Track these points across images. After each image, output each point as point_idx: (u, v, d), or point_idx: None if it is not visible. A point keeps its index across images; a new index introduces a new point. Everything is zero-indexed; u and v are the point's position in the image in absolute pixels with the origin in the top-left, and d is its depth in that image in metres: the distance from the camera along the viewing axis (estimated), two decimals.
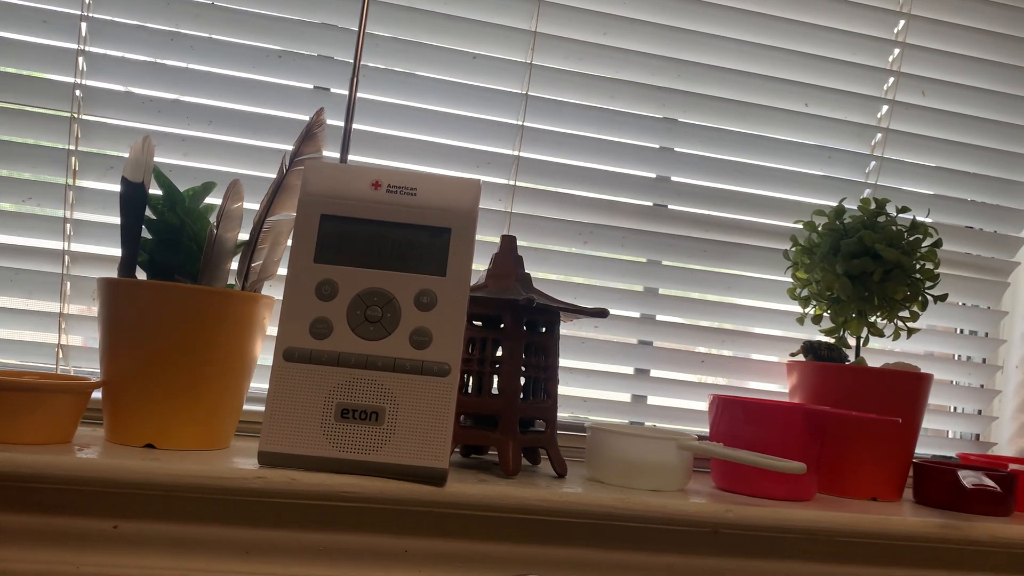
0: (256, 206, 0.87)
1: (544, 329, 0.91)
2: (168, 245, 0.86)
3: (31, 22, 1.00)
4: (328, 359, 0.75)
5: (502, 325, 0.88)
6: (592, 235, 1.15)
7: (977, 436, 1.32)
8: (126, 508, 0.72)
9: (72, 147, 1.01)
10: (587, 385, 1.15)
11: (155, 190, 0.86)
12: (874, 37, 1.24)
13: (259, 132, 1.05)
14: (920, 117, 1.25)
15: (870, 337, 1.08)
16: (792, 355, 1.08)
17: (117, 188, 0.84)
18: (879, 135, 1.24)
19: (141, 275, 0.86)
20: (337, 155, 0.93)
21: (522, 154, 1.12)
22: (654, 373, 1.19)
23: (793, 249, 1.10)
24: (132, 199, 0.83)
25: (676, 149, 1.19)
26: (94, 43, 1.02)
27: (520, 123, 1.12)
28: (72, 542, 0.72)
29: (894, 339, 1.09)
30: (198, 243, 0.86)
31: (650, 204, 1.18)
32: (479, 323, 0.90)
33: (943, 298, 1.08)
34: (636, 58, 1.16)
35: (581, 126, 1.15)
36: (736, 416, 0.94)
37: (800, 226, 1.12)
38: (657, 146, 1.18)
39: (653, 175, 1.19)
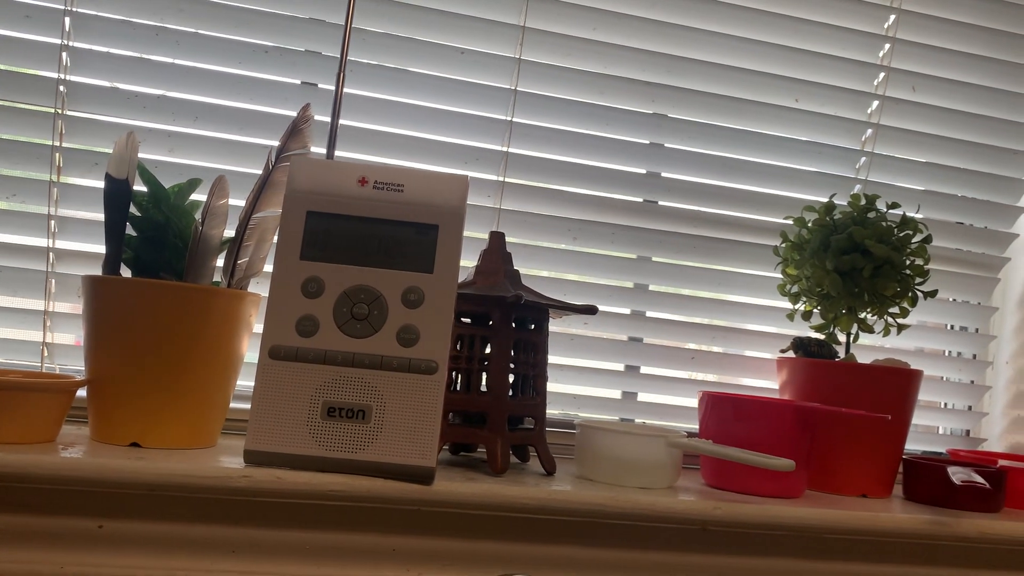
0: (242, 203, 0.87)
1: (533, 326, 0.91)
2: (153, 242, 0.85)
3: (14, 17, 0.99)
4: (314, 357, 0.75)
5: (490, 322, 0.87)
6: (581, 231, 1.14)
7: (967, 432, 1.32)
8: (111, 507, 0.72)
9: (56, 143, 1.00)
10: (577, 382, 1.15)
11: (140, 186, 0.85)
12: (864, 32, 1.24)
13: (245, 128, 1.04)
14: (910, 113, 1.25)
15: (860, 333, 1.08)
16: (782, 351, 1.08)
17: (102, 184, 0.83)
18: (869, 131, 1.24)
19: (126, 272, 0.85)
20: (324, 151, 0.92)
21: (511, 150, 1.12)
22: (644, 370, 1.18)
23: (783, 245, 1.10)
24: (116, 196, 0.82)
25: (666, 145, 1.19)
26: (78, 38, 1.01)
27: (509, 119, 1.12)
28: (56, 542, 0.71)
29: (884, 335, 1.09)
30: (183, 240, 0.85)
31: (640, 200, 1.18)
32: (467, 320, 0.90)
33: (933, 294, 1.08)
34: (626, 53, 1.16)
35: (570, 122, 1.14)
36: (726, 413, 0.94)
37: (790, 222, 1.11)
38: (647, 142, 1.18)
39: (643, 171, 1.18)
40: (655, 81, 1.17)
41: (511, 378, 0.87)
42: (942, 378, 1.31)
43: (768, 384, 1.20)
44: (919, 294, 1.06)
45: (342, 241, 0.77)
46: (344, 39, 0.93)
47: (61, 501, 0.71)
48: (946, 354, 1.33)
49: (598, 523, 0.80)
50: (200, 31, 1.04)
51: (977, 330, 1.33)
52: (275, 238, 0.82)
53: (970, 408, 1.31)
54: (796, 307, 1.10)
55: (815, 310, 1.08)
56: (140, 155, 0.84)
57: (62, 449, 0.74)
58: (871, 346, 1.23)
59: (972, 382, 1.31)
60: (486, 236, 0.93)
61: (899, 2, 1.25)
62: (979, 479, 0.91)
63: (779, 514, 0.83)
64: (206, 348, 0.80)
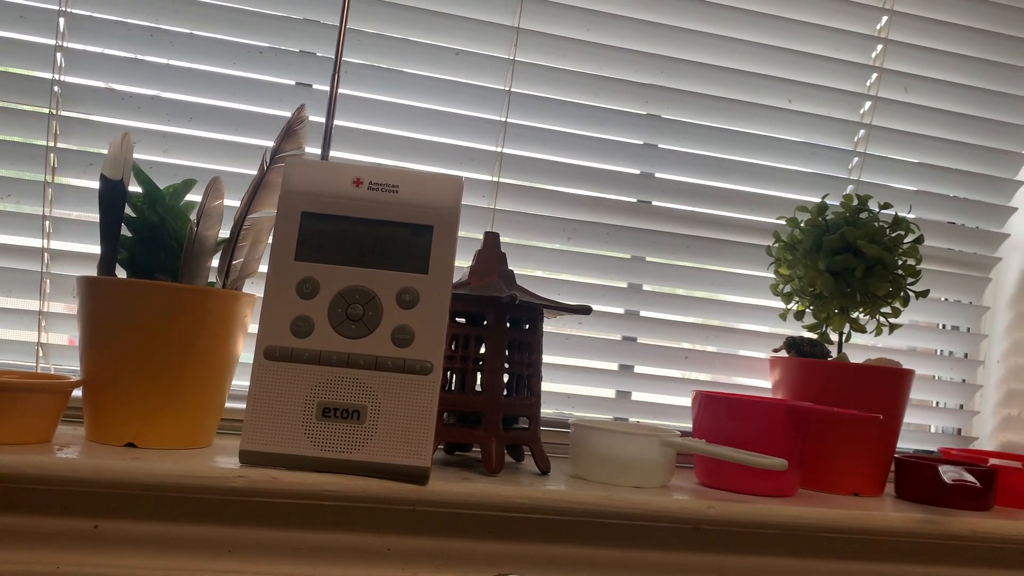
0: (237, 203, 0.87)
1: (527, 326, 0.91)
2: (148, 243, 0.86)
3: (8, 18, 0.99)
4: (309, 358, 0.75)
5: (485, 322, 0.88)
6: (576, 231, 1.15)
7: (959, 431, 1.33)
8: (106, 507, 0.72)
9: (51, 144, 1.00)
10: (571, 381, 1.15)
11: (135, 187, 0.85)
12: (857, 34, 1.24)
13: (240, 129, 1.05)
14: (902, 113, 1.26)
15: (852, 333, 1.08)
16: (775, 351, 1.08)
17: (96, 185, 0.83)
18: (862, 131, 1.25)
19: (121, 273, 0.85)
20: (318, 152, 0.92)
21: (505, 150, 1.12)
22: (638, 369, 1.19)
23: (776, 245, 1.10)
24: (111, 196, 0.82)
25: (660, 145, 1.19)
26: (73, 39, 1.01)
27: (503, 119, 1.12)
28: (52, 542, 0.71)
29: (876, 335, 1.10)
30: (178, 241, 0.85)
31: (634, 200, 1.18)
32: (462, 320, 0.90)
33: (925, 294, 1.09)
34: (619, 54, 1.16)
35: (564, 122, 1.15)
36: (719, 412, 0.94)
37: (783, 222, 1.12)
38: (641, 142, 1.18)
39: (637, 171, 1.19)
40: (649, 82, 1.17)
41: (506, 378, 0.88)
42: (934, 377, 1.31)
43: (761, 383, 1.20)
44: (911, 294, 1.06)
45: (337, 242, 0.78)
46: (339, 40, 0.93)
47: (57, 501, 0.71)
48: (938, 353, 1.34)
49: (592, 522, 0.80)
50: (195, 32, 1.04)
51: (968, 329, 1.33)
52: (270, 239, 0.82)
53: (961, 407, 1.32)
54: (789, 307, 1.11)
55: (808, 310, 1.09)
56: (135, 156, 0.85)
57: (58, 449, 0.74)
58: (863, 345, 1.24)
59: (963, 381, 1.32)
60: (481, 236, 0.93)
61: (891, 3, 1.25)
62: (970, 478, 0.91)
63: (772, 513, 0.83)
64: (201, 349, 0.81)
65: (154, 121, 1.03)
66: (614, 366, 1.18)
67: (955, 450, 1.16)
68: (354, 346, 0.76)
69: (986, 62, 1.29)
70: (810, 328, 1.09)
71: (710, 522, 0.82)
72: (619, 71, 1.17)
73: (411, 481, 0.75)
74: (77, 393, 0.82)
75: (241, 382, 0.95)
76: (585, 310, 0.90)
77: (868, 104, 1.25)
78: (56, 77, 1.00)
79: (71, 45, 1.00)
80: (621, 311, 1.19)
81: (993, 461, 1.04)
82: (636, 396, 1.19)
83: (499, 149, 1.12)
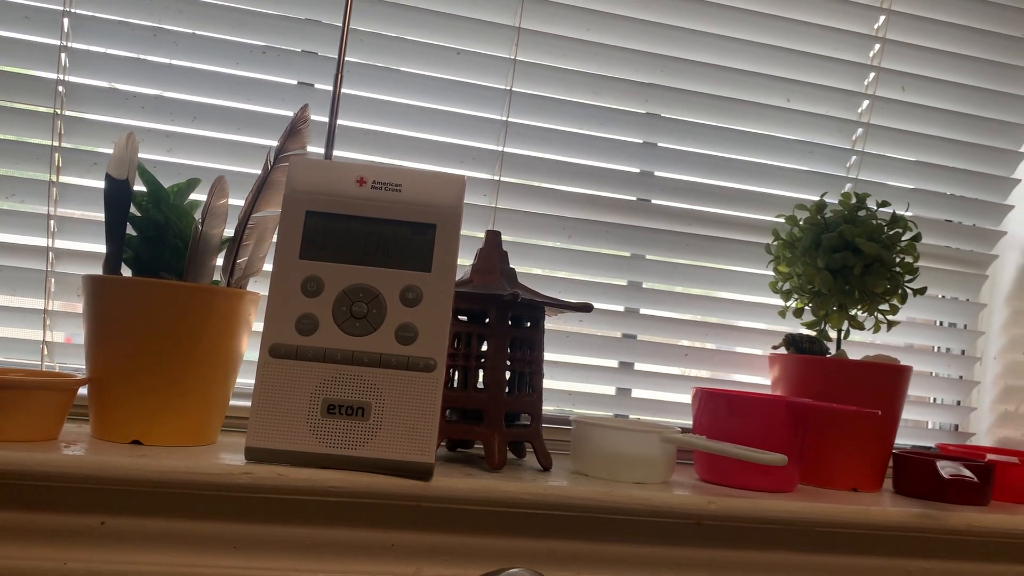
0: (241, 202, 0.88)
1: (529, 324, 0.92)
2: (153, 242, 0.86)
3: (12, 18, 1.00)
4: (314, 355, 0.76)
5: (487, 320, 0.88)
6: (576, 230, 1.15)
7: (956, 427, 1.34)
8: (113, 504, 0.72)
9: (55, 143, 1.01)
10: (572, 379, 1.16)
11: (139, 186, 0.86)
12: (855, 33, 1.25)
13: (244, 128, 1.05)
14: (900, 112, 1.27)
15: (851, 330, 1.09)
16: (774, 348, 1.09)
17: (101, 184, 0.83)
18: (860, 130, 1.26)
19: (126, 272, 0.86)
20: (322, 151, 0.93)
21: (507, 150, 1.13)
22: (638, 366, 1.20)
23: (775, 243, 1.11)
24: (116, 196, 0.83)
25: (659, 144, 1.20)
26: (77, 39, 1.01)
27: (504, 119, 1.13)
28: (59, 538, 0.72)
29: (875, 332, 1.10)
30: (183, 240, 0.86)
31: (634, 199, 1.19)
32: (464, 318, 0.91)
33: (922, 291, 1.09)
34: (619, 54, 1.17)
35: (565, 122, 1.16)
36: (719, 409, 0.95)
37: (782, 220, 1.13)
38: (640, 141, 1.19)
39: (637, 170, 1.19)
40: (648, 81, 1.18)
41: (507, 375, 0.88)
42: (931, 374, 1.32)
43: (760, 380, 1.21)
44: (909, 291, 1.07)
45: (341, 240, 0.78)
46: (341, 40, 0.94)
47: (63, 498, 0.72)
48: (935, 350, 1.35)
49: (594, 518, 0.81)
50: (198, 32, 1.04)
51: (966, 326, 1.34)
52: (274, 237, 0.83)
53: (959, 403, 1.33)
54: (788, 304, 1.12)
55: (806, 307, 1.10)
56: (139, 155, 0.85)
57: (64, 447, 0.75)
58: (862, 342, 1.24)
59: (961, 377, 1.33)
60: (482, 235, 0.94)
61: (889, 3, 1.26)
62: (967, 473, 0.92)
63: (772, 508, 0.84)
64: (206, 346, 0.81)
65: (158, 121, 1.03)
66: (614, 363, 1.19)
67: (952, 446, 1.17)
68: (358, 343, 0.76)
69: (983, 61, 1.30)
70: (809, 325, 1.10)
71: (710, 517, 0.83)
72: (619, 71, 1.17)
73: (415, 477, 0.75)
74: (83, 391, 0.83)
75: (245, 380, 0.96)
76: (586, 308, 0.91)
77: (866, 103, 1.26)
78: (60, 77, 1.00)
79: (75, 45, 1.01)
80: (621, 309, 1.19)
81: (990, 456, 1.05)
82: (636, 393, 1.19)
83: (500, 148, 1.13)
